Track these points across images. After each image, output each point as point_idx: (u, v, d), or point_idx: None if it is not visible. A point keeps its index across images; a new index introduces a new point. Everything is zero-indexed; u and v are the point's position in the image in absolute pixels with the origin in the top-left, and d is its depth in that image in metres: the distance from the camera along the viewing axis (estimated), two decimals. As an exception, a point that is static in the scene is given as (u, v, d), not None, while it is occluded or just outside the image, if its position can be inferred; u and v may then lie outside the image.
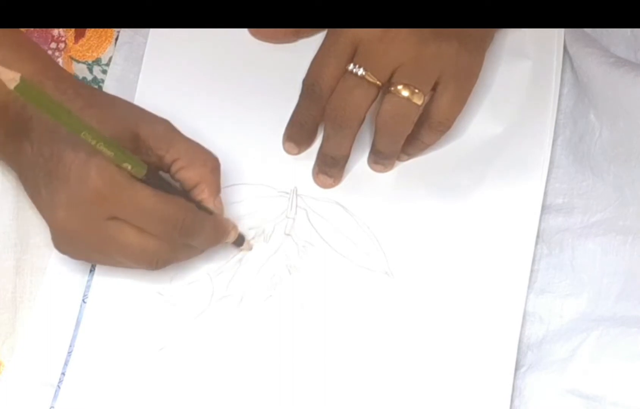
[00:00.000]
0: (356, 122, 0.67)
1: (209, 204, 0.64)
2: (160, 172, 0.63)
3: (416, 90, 0.65)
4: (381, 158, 0.70)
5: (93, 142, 0.56)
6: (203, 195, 0.63)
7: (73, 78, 0.65)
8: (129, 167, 0.59)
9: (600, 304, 0.67)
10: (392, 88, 0.66)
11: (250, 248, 0.69)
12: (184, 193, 0.63)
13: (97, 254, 0.63)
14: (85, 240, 0.61)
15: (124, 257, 0.62)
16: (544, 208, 0.71)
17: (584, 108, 0.72)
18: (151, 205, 0.60)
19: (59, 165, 0.59)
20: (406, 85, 0.65)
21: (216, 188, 0.64)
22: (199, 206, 0.63)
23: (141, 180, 0.60)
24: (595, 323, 0.67)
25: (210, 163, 0.64)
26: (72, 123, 0.55)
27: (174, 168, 0.63)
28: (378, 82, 0.65)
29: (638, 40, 0.72)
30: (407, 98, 0.65)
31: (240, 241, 0.68)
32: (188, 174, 0.63)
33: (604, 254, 0.68)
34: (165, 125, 0.63)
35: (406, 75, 0.65)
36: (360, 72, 0.65)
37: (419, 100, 0.66)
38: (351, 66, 0.66)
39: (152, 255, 0.62)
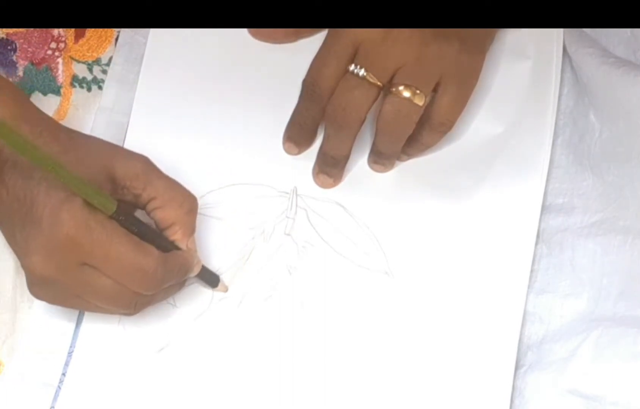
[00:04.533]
0: (357, 123, 0.67)
1: (182, 245, 0.63)
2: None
3: (417, 91, 0.65)
4: (381, 159, 0.70)
5: (62, 180, 0.56)
6: (176, 236, 0.63)
7: (51, 121, 0.63)
8: (99, 204, 0.58)
9: (600, 304, 0.67)
10: (394, 89, 0.65)
11: (225, 290, 0.68)
12: (156, 231, 0.63)
13: (73, 299, 0.61)
14: (60, 285, 0.60)
15: (101, 302, 0.61)
16: (544, 208, 0.71)
17: (584, 108, 0.72)
18: (124, 258, 0.59)
19: (32, 208, 0.59)
20: (407, 86, 0.65)
21: (190, 229, 0.63)
22: (171, 244, 0.63)
23: (113, 218, 0.59)
24: (595, 323, 0.67)
25: (187, 205, 0.63)
26: (40, 158, 0.55)
27: (149, 207, 0.62)
28: (379, 83, 0.65)
29: (638, 40, 0.72)
30: (409, 99, 0.65)
31: (214, 281, 0.67)
32: (163, 214, 0.62)
33: (604, 254, 0.68)
34: (143, 163, 0.62)
35: (407, 76, 0.65)
36: (362, 72, 0.65)
37: (420, 101, 0.65)
38: (352, 67, 0.66)
39: (129, 301, 0.62)
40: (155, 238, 0.62)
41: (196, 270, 0.64)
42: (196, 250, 0.64)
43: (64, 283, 0.60)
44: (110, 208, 0.59)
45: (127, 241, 0.59)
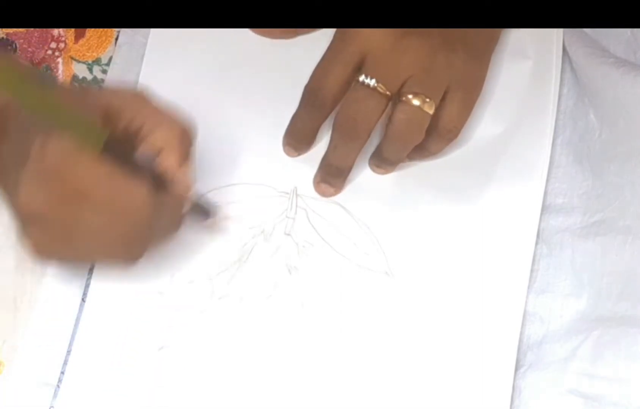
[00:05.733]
0: (366, 134, 0.66)
1: (173, 172, 0.60)
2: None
3: (427, 99, 0.65)
4: (385, 164, 0.70)
5: (49, 111, 0.55)
6: (166, 162, 0.60)
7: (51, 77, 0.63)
8: (87, 136, 0.56)
9: (600, 304, 0.67)
10: (404, 98, 0.65)
11: (217, 223, 0.65)
12: (151, 170, 0.59)
13: (67, 244, 0.59)
14: (50, 224, 0.58)
15: (94, 243, 0.59)
16: (544, 208, 0.71)
17: (584, 108, 0.72)
18: (111, 189, 0.57)
19: (26, 148, 0.57)
20: (417, 94, 0.65)
21: (181, 155, 0.60)
22: (164, 179, 0.60)
23: (104, 150, 0.57)
24: (595, 323, 0.67)
25: (178, 127, 0.60)
26: (27, 94, 0.54)
27: (140, 138, 0.59)
28: (388, 93, 0.65)
29: (638, 40, 0.72)
30: (419, 107, 0.65)
31: (206, 213, 0.64)
32: (151, 139, 0.59)
33: (604, 254, 0.68)
34: (133, 93, 0.60)
35: (417, 85, 0.65)
36: (372, 83, 0.65)
37: (430, 109, 0.65)
38: (362, 77, 0.65)
39: (122, 240, 0.59)
40: (152, 176, 0.59)
41: (187, 204, 0.61)
42: (190, 186, 0.61)
43: (52, 220, 0.58)
44: (99, 141, 0.56)
45: (113, 173, 0.57)
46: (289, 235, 0.70)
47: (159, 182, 0.60)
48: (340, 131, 0.67)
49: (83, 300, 0.67)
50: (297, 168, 0.71)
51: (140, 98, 0.60)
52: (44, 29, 0.73)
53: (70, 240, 0.59)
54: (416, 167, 0.71)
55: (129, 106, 0.60)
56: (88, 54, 0.73)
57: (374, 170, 0.71)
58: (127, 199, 0.58)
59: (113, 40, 0.74)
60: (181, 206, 0.62)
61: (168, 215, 0.61)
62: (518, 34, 0.74)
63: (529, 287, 0.69)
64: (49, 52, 0.73)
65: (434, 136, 0.68)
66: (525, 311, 0.68)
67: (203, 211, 0.66)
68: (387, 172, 0.71)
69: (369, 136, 0.67)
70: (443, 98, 0.66)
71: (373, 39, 0.65)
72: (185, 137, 0.61)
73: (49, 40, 0.73)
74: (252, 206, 0.70)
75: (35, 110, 0.55)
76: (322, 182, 0.70)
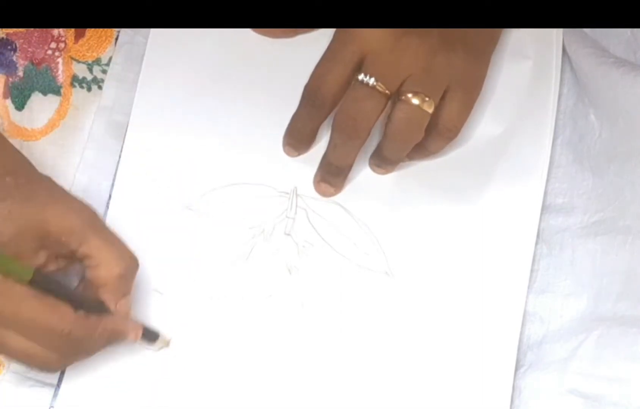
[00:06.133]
0: (366, 133, 0.66)
1: (111, 306, 0.62)
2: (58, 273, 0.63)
3: (426, 98, 0.65)
4: (385, 164, 0.70)
5: None
6: (105, 297, 0.62)
7: (18, 162, 0.64)
8: (13, 274, 0.58)
9: (600, 304, 0.67)
10: (403, 97, 0.65)
11: (167, 345, 0.67)
12: (81, 293, 0.62)
13: None
14: None
15: (20, 361, 0.61)
16: (544, 208, 0.71)
17: (584, 108, 0.72)
18: (33, 315, 0.59)
19: None
20: (416, 93, 0.65)
21: (119, 293, 0.63)
22: (101, 306, 0.62)
23: (31, 283, 0.59)
24: (595, 323, 0.67)
25: (119, 268, 0.62)
26: None
27: (84, 264, 0.62)
28: (387, 92, 0.65)
29: (638, 40, 0.72)
30: (418, 106, 0.65)
31: (152, 337, 0.66)
32: (94, 274, 0.62)
33: (604, 254, 0.68)
34: (81, 218, 0.62)
35: (416, 84, 0.65)
36: (372, 82, 0.65)
37: (429, 108, 0.65)
38: (361, 76, 0.65)
39: (41, 361, 0.61)
40: (84, 300, 0.61)
41: (132, 337, 0.64)
42: (129, 314, 0.64)
43: None
44: (26, 277, 0.59)
45: (38, 302, 0.59)
46: (289, 235, 0.70)
47: (95, 310, 0.62)
48: (340, 130, 0.67)
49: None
50: (297, 168, 0.71)
51: (87, 226, 0.62)
52: (44, 29, 0.73)
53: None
54: (416, 167, 0.71)
55: (75, 233, 0.61)
56: (88, 54, 0.73)
57: (374, 170, 0.71)
58: (50, 326, 0.60)
59: (113, 40, 0.73)
60: (114, 337, 0.63)
61: (98, 343, 0.63)
62: (518, 34, 0.74)
63: (529, 287, 0.69)
64: (49, 52, 0.73)
65: (434, 135, 0.68)
66: (525, 311, 0.68)
67: (149, 336, 0.66)
68: (387, 171, 0.71)
69: (368, 135, 0.67)
70: (443, 98, 0.66)
71: (373, 39, 0.65)
72: (125, 276, 0.63)
73: (49, 40, 0.73)
74: (252, 206, 0.70)
75: None
76: (322, 181, 0.70)
